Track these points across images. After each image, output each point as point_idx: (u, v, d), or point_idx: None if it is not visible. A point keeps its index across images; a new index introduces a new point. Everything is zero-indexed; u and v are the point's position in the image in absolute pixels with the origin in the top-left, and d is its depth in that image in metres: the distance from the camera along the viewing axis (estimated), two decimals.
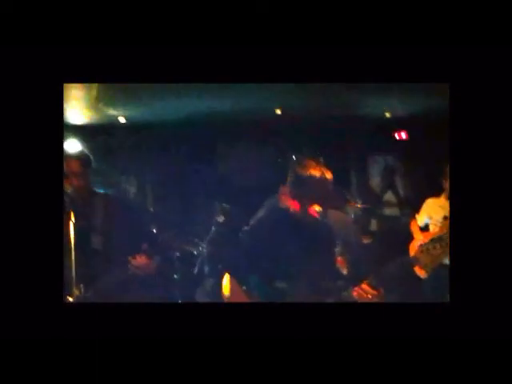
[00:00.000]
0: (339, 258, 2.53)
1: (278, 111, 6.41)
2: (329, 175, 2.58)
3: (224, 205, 5.51)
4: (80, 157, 2.91)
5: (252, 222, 4.51)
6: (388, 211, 7.44)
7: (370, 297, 2.42)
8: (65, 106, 5.72)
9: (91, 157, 2.96)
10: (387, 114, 6.80)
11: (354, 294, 2.44)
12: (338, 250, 2.53)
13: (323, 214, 2.50)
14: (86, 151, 2.97)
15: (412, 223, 4.51)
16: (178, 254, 5.41)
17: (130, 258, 2.87)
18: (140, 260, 2.88)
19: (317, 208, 2.52)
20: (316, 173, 2.55)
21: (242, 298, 2.64)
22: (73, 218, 2.64)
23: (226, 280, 2.72)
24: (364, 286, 2.44)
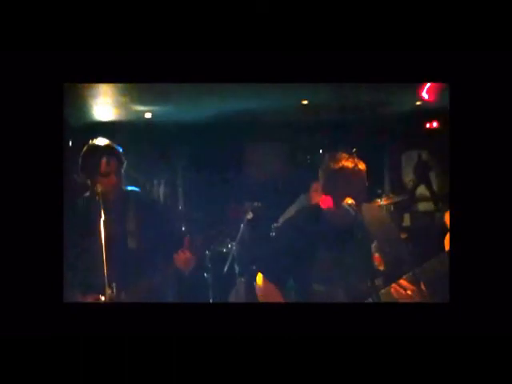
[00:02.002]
0: (376, 255, 2.41)
1: (305, 101, 6.31)
2: (362, 166, 2.47)
3: (253, 203, 5.47)
4: (117, 154, 2.86)
5: (282, 219, 4.42)
6: (422, 206, 7.30)
7: (409, 293, 2.30)
8: (93, 103, 5.78)
9: (123, 155, 2.91)
10: (420, 106, 6.66)
11: (392, 290, 2.33)
12: (374, 246, 2.42)
13: (358, 208, 2.38)
14: (120, 149, 2.90)
15: (447, 217, 4.37)
16: (208, 252, 5.37)
17: (174, 254, 2.81)
18: (185, 256, 2.82)
19: (349, 201, 2.36)
20: (349, 164, 2.43)
21: (275, 297, 2.54)
22: (103, 216, 2.58)
23: (259, 279, 2.63)
24: (402, 281, 2.33)
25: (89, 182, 2.77)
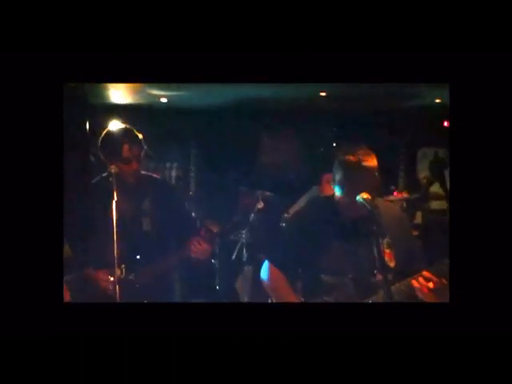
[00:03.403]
0: (387, 251, 2.40)
1: (323, 93, 6.27)
2: (375, 162, 2.44)
3: (264, 192, 5.47)
4: (137, 140, 2.86)
5: (292, 210, 4.40)
6: (435, 204, 7.24)
7: (431, 286, 2.28)
8: (108, 86, 5.78)
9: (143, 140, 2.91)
10: (438, 103, 6.60)
11: (414, 282, 2.31)
12: (386, 242, 2.40)
13: (371, 202, 2.35)
14: (139, 134, 2.90)
15: None
16: (217, 240, 5.37)
17: (190, 244, 2.81)
18: (202, 247, 2.82)
19: (365, 195, 2.35)
20: (363, 158, 2.42)
21: (283, 285, 2.58)
22: (116, 197, 2.59)
23: (266, 267, 2.66)
24: (426, 273, 2.30)
25: (107, 163, 2.78)
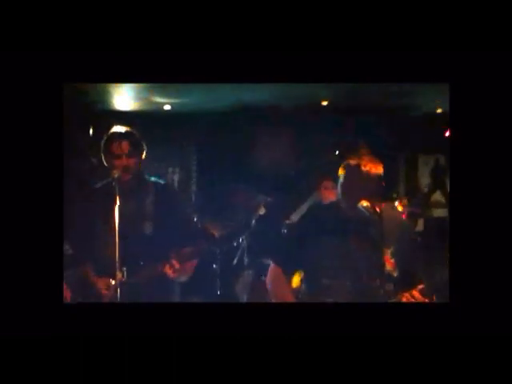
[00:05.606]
0: (391, 260, 2.40)
1: (324, 102, 6.29)
2: (379, 169, 2.46)
3: (266, 198, 5.46)
4: (130, 137, 2.90)
5: (294, 216, 4.40)
6: (436, 212, 7.23)
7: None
8: (112, 92, 5.82)
9: (143, 142, 2.94)
10: (440, 111, 6.61)
11: (403, 299, 2.33)
12: (390, 251, 2.42)
13: (373, 210, 2.37)
14: (138, 135, 2.94)
15: None
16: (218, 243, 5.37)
17: (163, 266, 2.85)
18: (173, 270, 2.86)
19: (364, 203, 2.38)
20: (366, 165, 2.44)
21: (285, 290, 2.59)
22: (118, 201, 2.58)
23: (272, 270, 2.65)
24: (415, 293, 2.32)
25: (110, 167, 2.80)
